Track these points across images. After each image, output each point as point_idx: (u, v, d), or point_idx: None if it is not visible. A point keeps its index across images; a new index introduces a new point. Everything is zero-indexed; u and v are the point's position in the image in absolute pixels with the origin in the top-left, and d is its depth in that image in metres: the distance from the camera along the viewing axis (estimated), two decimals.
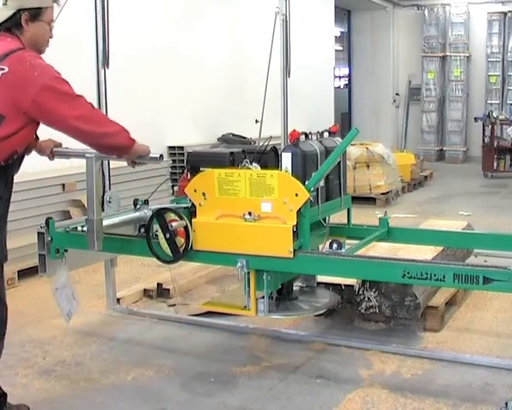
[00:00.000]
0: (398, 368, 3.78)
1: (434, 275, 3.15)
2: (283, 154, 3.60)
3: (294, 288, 3.96)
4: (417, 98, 15.61)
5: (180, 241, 3.47)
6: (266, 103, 7.40)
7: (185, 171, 3.77)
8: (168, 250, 3.50)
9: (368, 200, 9.14)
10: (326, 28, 13.28)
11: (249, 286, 3.51)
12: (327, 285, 4.27)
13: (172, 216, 3.48)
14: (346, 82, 16.95)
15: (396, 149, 12.85)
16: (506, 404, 3.00)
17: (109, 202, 4.66)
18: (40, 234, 4.00)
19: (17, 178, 6.48)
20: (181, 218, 3.46)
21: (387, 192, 9.41)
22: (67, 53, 6.49)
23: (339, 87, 16.57)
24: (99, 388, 3.61)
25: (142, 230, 3.70)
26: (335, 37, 14.68)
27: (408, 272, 3.19)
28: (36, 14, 2.91)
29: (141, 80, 7.67)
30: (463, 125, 15.22)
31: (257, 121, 7.34)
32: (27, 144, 3.01)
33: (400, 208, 8.96)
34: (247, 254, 3.42)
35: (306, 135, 3.72)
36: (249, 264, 3.42)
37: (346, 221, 4.14)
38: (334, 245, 3.44)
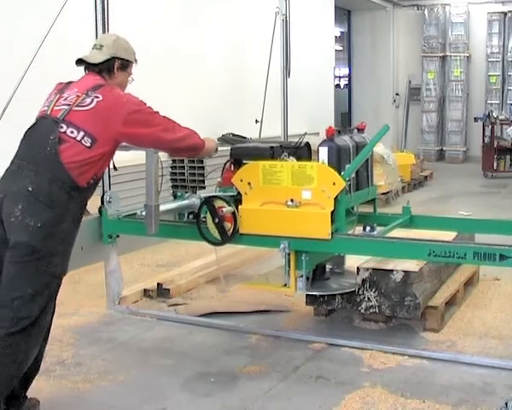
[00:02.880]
0: (398, 368, 3.78)
1: (457, 253, 3.53)
2: (320, 148, 4.01)
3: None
4: (417, 98, 15.60)
5: (227, 225, 3.85)
6: (266, 103, 7.40)
7: (228, 163, 4.13)
8: (217, 234, 3.87)
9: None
10: (326, 28, 13.26)
11: (289, 266, 3.89)
12: None
13: (220, 203, 3.85)
14: (346, 82, 16.95)
15: (396, 149, 12.84)
16: (506, 404, 3.00)
17: (109, 201, 4.67)
18: None
19: None
20: (229, 204, 3.83)
21: (387, 192, 9.40)
22: (68, 53, 6.49)
23: (338, 86, 16.57)
24: (99, 388, 3.61)
25: (191, 216, 4.12)
26: (335, 37, 14.67)
27: (433, 251, 3.57)
28: (125, 65, 3.44)
29: (141, 80, 7.65)
30: (463, 125, 15.21)
31: (257, 121, 7.34)
32: (104, 170, 3.36)
33: (400, 208, 8.93)
34: (289, 236, 3.79)
35: (339, 131, 4.18)
36: (291, 246, 3.80)
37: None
38: (368, 228, 3.93)
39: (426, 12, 15.24)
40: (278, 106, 7.50)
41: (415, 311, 4.12)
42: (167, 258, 5.95)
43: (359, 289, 4.22)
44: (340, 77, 16.95)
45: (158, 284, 5.14)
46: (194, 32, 8.82)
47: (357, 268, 4.23)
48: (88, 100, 3.12)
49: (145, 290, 5.11)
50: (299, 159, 3.97)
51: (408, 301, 4.11)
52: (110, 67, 3.35)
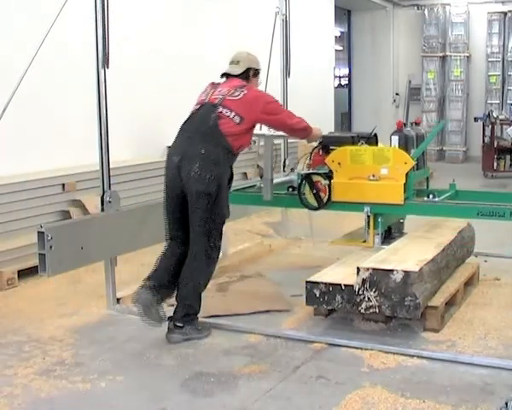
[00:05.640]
0: (399, 368, 3.78)
1: (498, 213, 4.57)
2: (392, 137, 5.12)
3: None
4: (417, 98, 15.60)
5: (322, 195, 4.87)
6: None
7: (316, 149, 5.11)
8: (314, 202, 4.89)
9: None
10: (326, 28, 13.26)
11: (369, 226, 4.91)
12: (327, 285, 4.28)
13: (317, 178, 4.88)
14: (346, 82, 16.94)
15: None
16: (506, 404, 3.00)
17: (109, 201, 4.68)
18: (40, 233, 4.00)
19: (17, 177, 6.49)
20: (324, 179, 4.85)
21: None
22: (68, 53, 6.48)
23: (339, 85, 16.56)
24: (98, 388, 3.61)
25: (290, 189, 5.18)
26: (335, 37, 14.66)
27: (481, 211, 4.64)
28: (257, 73, 4.60)
29: (141, 80, 7.66)
30: (463, 125, 15.19)
31: None
32: (247, 144, 4.46)
33: None
34: (370, 203, 4.83)
35: (405, 124, 5.30)
36: (372, 210, 4.85)
37: None
38: (431, 196, 5.04)
39: (426, 12, 15.24)
40: None
41: (415, 311, 4.11)
42: None
43: (359, 289, 4.22)
44: (340, 77, 16.94)
45: None
46: (194, 32, 8.82)
47: (357, 268, 4.23)
48: (237, 93, 4.30)
49: None
50: (370, 145, 4.99)
51: (408, 301, 4.10)
52: (247, 75, 4.50)
